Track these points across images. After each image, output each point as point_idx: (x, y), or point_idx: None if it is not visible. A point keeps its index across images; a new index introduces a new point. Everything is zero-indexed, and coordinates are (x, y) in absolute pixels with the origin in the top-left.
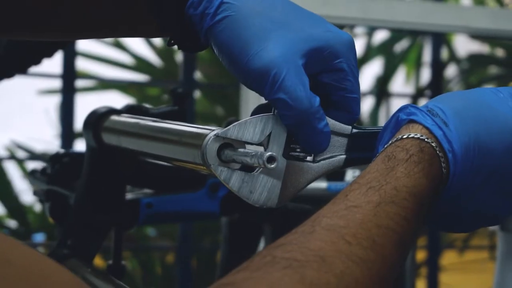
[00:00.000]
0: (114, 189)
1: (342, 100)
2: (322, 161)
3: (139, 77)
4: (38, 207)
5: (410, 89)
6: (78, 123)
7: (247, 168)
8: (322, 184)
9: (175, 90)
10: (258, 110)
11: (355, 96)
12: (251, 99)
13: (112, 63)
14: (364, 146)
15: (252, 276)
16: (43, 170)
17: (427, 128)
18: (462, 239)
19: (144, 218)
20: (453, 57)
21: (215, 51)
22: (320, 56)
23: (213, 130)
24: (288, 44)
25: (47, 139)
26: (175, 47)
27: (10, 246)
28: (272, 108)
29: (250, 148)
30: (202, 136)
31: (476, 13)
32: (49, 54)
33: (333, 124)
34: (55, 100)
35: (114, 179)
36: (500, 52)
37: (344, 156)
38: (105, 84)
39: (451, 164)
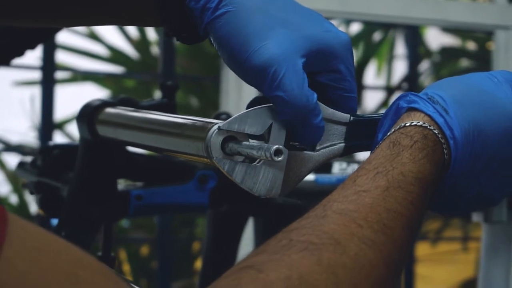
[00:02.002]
0: (107, 181)
1: (340, 99)
2: (322, 150)
3: (114, 68)
4: (14, 199)
5: (381, 82)
6: (56, 115)
7: (249, 159)
8: (310, 177)
9: (165, 83)
10: (256, 102)
11: (353, 96)
12: (231, 92)
13: (88, 54)
14: (362, 134)
15: (271, 258)
16: (33, 162)
17: (429, 115)
18: (435, 231)
19: (133, 210)
20: (426, 50)
21: (214, 45)
22: (319, 57)
23: (215, 122)
24: (288, 42)
25: (22, 131)
26: (152, 38)
27: (38, 234)
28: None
29: (252, 140)
30: (204, 129)
31: (451, 6)
32: (33, 46)
33: (332, 113)
34: (31, 92)
35: (108, 171)
36: (471, 45)
37: (343, 144)
38: (80, 76)
39: (452, 150)
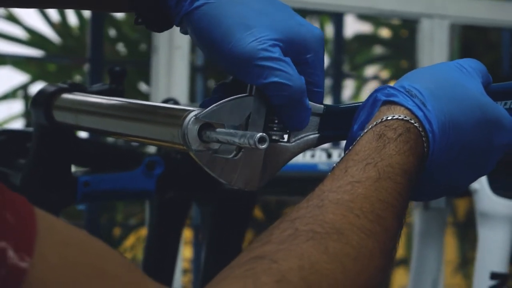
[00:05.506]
0: (63, 167)
1: (308, 93)
2: (297, 141)
3: (33, 52)
4: None
5: None
6: None
7: (226, 151)
8: None
9: (113, 69)
10: (222, 87)
11: (321, 90)
12: (160, 78)
13: (7, 37)
14: (336, 124)
15: (280, 248)
16: None
17: (409, 109)
18: None
19: (81, 197)
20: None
21: (191, 36)
22: (294, 49)
23: (190, 110)
24: (270, 32)
25: None
26: (73, 23)
27: (65, 229)
28: (247, 87)
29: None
30: (180, 116)
31: None
32: None
33: None
34: None
35: (64, 157)
36: (385, 33)
37: (317, 135)
38: (10, 60)
39: (431, 143)
